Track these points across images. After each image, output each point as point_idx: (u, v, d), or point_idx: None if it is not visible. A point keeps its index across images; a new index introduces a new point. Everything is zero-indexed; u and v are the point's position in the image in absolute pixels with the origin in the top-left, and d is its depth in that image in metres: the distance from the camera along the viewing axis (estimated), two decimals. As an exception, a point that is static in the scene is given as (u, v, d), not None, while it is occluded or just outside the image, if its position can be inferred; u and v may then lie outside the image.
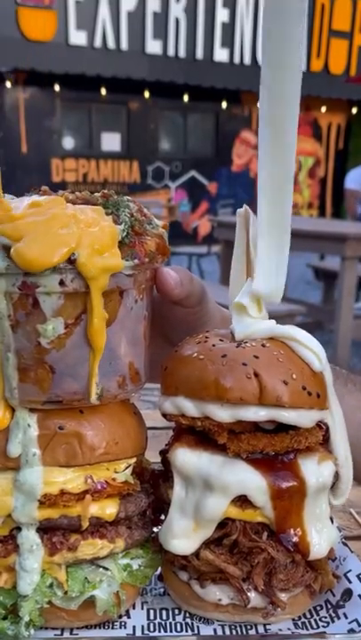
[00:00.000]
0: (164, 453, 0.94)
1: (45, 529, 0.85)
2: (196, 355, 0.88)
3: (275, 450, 0.85)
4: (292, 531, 0.85)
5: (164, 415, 0.92)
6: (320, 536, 0.87)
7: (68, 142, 14.95)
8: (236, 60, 15.05)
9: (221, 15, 14.67)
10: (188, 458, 0.88)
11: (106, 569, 0.89)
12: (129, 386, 0.90)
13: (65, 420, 0.86)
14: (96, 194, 0.86)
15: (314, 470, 0.87)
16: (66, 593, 0.85)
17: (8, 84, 13.51)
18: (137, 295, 0.88)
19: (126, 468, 0.90)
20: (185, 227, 16.08)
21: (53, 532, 0.85)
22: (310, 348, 0.88)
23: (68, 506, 0.84)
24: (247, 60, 15.11)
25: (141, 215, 0.86)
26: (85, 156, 15.02)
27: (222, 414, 0.84)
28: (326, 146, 18.18)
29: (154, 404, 1.04)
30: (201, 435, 0.89)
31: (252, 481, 0.84)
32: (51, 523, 0.85)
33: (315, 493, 0.87)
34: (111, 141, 15.29)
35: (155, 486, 0.96)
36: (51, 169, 14.61)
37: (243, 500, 0.85)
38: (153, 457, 0.98)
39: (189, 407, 0.87)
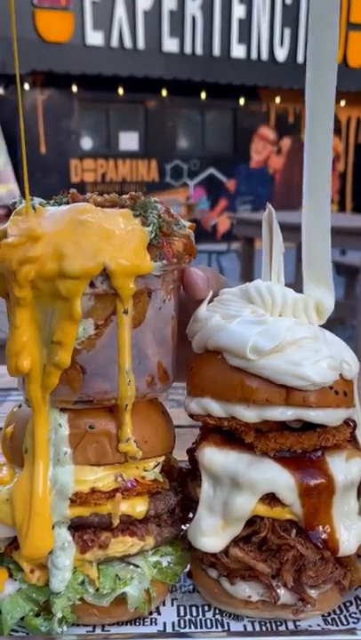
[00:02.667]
0: (191, 452, 0.95)
1: (77, 527, 0.86)
2: (221, 356, 0.89)
3: (303, 448, 0.86)
4: (320, 528, 0.86)
5: (191, 415, 0.92)
6: (349, 533, 0.87)
7: (87, 142, 15.01)
8: (254, 55, 14.96)
9: (238, 11, 14.59)
10: (215, 456, 0.89)
11: (136, 566, 0.90)
12: (158, 385, 0.91)
13: (95, 419, 0.87)
14: (124, 196, 0.87)
15: (342, 467, 0.87)
16: (97, 590, 0.86)
17: (26, 86, 13.59)
18: (165, 295, 0.89)
19: (155, 466, 0.91)
20: (204, 224, 16.04)
21: (84, 529, 0.86)
22: None
23: (98, 504, 0.85)
24: (264, 56, 15.02)
25: (169, 216, 0.87)
26: (104, 155, 15.06)
27: (249, 415, 0.85)
28: (346, 140, 17.99)
29: (178, 403, 1.05)
30: (228, 434, 0.89)
31: (280, 479, 0.85)
32: (82, 521, 0.86)
33: (343, 490, 0.87)
34: (129, 141, 15.31)
35: (182, 484, 0.97)
36: (69, 169, 14.68)
37: (271, 498, 0.85)
38: (178, 455, 0.99)
39: (216, 408, 0.87)
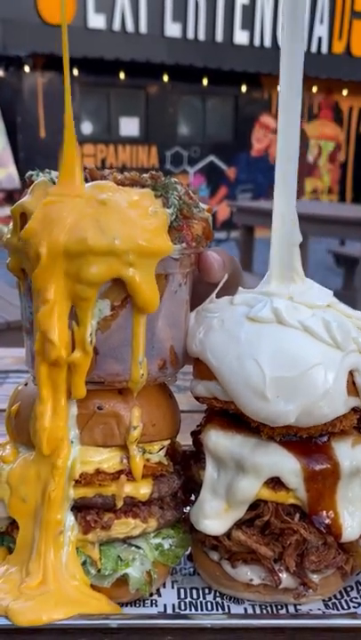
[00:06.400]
0: (196, 434, 0.95)
1: (80, 507, 0.86)
2: None
3: (309, 433, 0.85)
4: (324, 513, 0.86)
5: (197, 398, 0.92)
6: (353, 519, 0.87)
7: (87, 127, 14.88)
8: (257, 42, 14.83)
9: (242, -3, 14.46)
10: (220, 439, 0.89)
11: (138, 547, 0.90)
12: (169, 369, 0.90)
13: (104, 400, 0.87)
14: (145, 175, 0.86)
15: (348, 453, 0.87)
16: (99, 571, 0.86)
17: (26, 69, 13.46)
18: (181, 279, 0.88)
19: (160, 449, 0.90)
20: (203, 212, 15.96)
21: (87, 510, 0.86)
22: None
23: (103, 485, 0.85)
24: (267, 43, 14.89)
25: (189, 198, 0.86)
26: (104, 141, 14.95)
27: (255, 399, 0.84)
28: (347, 130, 17.91)
29: (178, 388, 1.05)
30: (233, 417, 0.89)
31: (285, 463, 0.85)
32: (85, 501, 0.86)
33: (348, 476, 0.87)
34: (129, 126, 15.20)
35: (185, 467, 0.97)
36: (69, 154, 14.56)
37: (275, 482, 0.85)
38: (180, 439, 0.99)
39: (223, 391, 0.87)
